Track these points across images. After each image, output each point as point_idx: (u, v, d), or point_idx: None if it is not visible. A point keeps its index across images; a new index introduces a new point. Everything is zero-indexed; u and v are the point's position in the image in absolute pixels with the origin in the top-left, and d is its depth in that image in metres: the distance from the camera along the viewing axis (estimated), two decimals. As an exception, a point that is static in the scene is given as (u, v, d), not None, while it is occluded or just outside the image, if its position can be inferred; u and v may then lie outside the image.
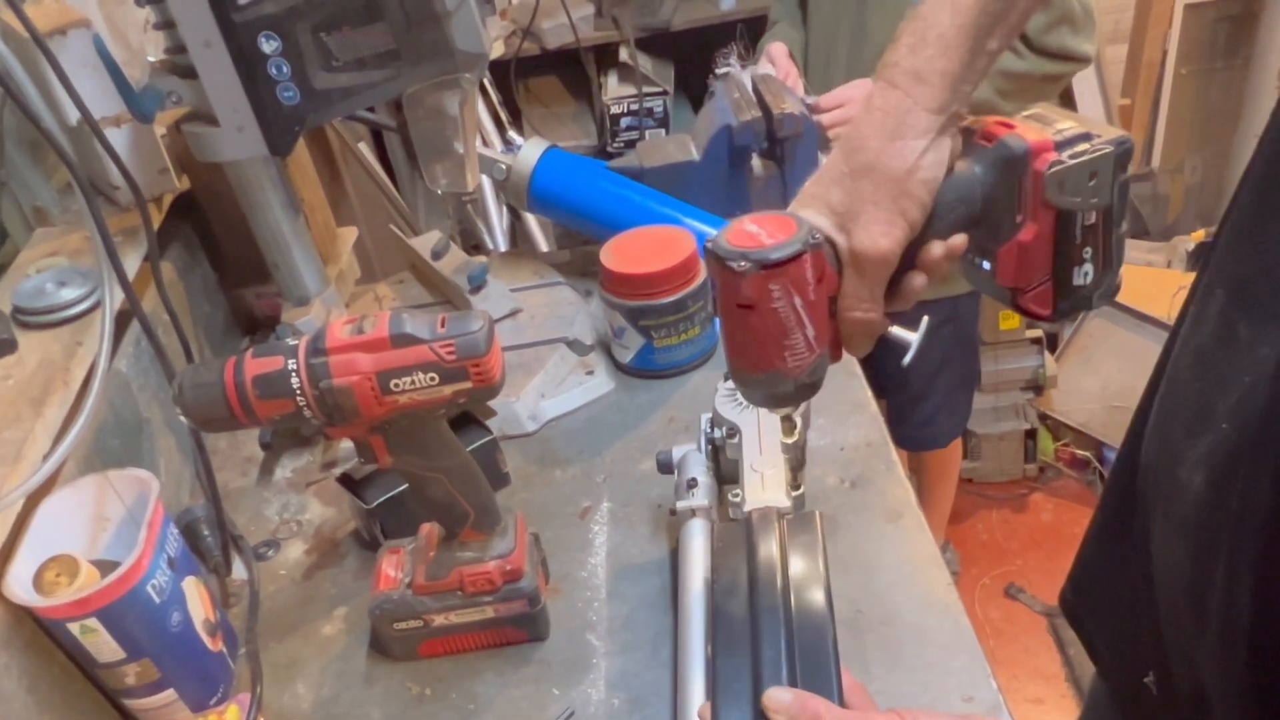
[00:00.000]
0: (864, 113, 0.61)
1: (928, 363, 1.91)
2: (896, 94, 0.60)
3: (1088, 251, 0.61)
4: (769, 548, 0.68)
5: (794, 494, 0.77)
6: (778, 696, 0.56)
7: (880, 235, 0.59)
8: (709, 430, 0.87)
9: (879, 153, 0.59)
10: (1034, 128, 0.60)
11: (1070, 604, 0.89)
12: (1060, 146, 0.59)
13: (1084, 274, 0.62)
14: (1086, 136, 0.59)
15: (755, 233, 0.59)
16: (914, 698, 0.76)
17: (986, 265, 0.64)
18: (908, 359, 1.10)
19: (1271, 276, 0.57)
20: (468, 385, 0.71)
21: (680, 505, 0.85)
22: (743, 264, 0.58)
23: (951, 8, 0.59)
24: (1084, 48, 1.52)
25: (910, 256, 0.62)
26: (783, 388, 0.63)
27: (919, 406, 1.99)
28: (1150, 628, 0.72)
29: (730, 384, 0.88)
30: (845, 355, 0.66)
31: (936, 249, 0.62)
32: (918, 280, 0.63)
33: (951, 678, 0.77)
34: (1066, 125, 0.60)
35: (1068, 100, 2.76)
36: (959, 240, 0.62)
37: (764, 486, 0.77)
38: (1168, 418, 0.67)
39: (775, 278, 0.58)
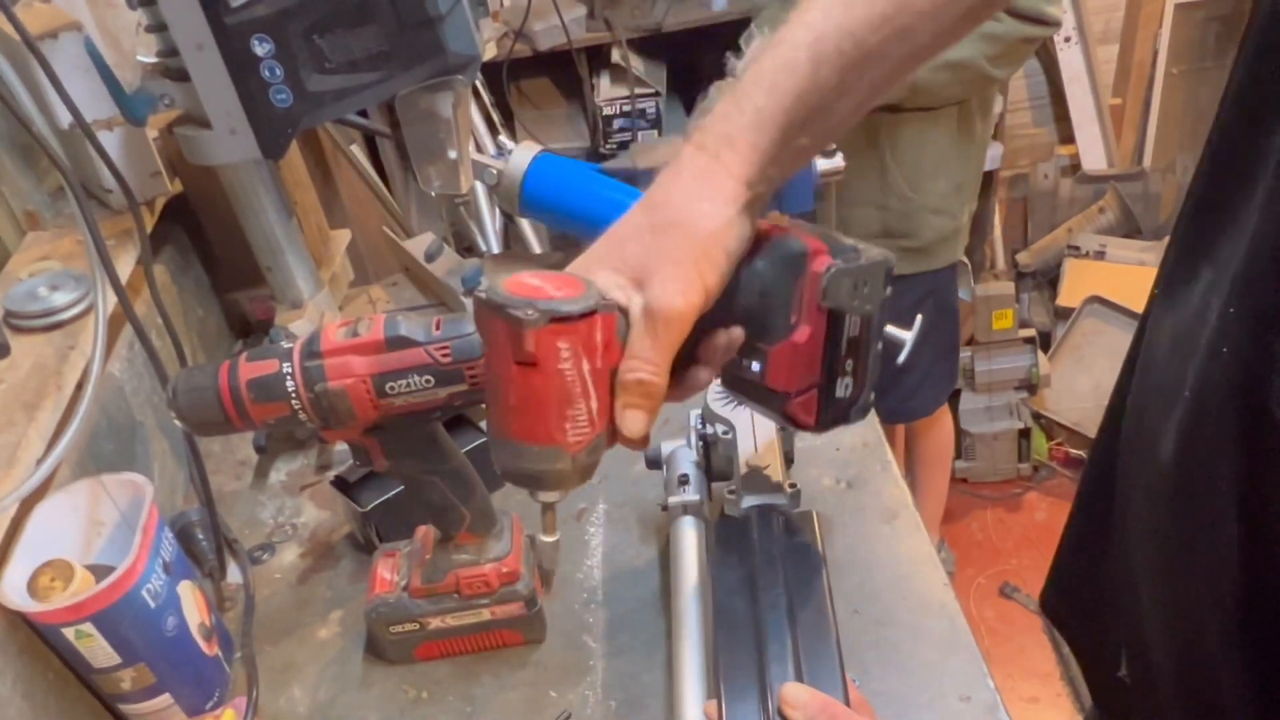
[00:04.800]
0: (671, 174, 0.59)
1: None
2: (705, 157, 0.58)
3: (849, 364, 0.60)
4: (769, 545, 0.69)
5: (790, 491, 0.77)
6: (795, 693, 0.56)
7: (678, 293, 0.55)
8: (699, 426, 0.88)
9: (685, 210, 0.57)
10: (813, 235, 0.59)
11: (1052, 604, 0.90)
12: (834, 252, 0.58)
13: (845, 385, 0.60)
14: (855, 249, 0.58)
15: (539, 285, 0.54)
16: (911, 698, 0.76)
17: (756, 367, 0.61)
18: (902, 357, 1.11)
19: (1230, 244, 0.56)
20: (463, 388, 0.71)
21: (672, 501, 0.85)
22: (530, 313, 0.52)
23: (769, 88, 0.57)
24: (1053, 10, 1.59)
25: (694, 344, 0.59)
26: (560, 464, 0.57)
27: (903, 380, 1.99)
28: (1128, 616, 0.72)
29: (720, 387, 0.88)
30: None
31: (720, 338, 0.59)
32: (702, 375, 0.61)
33: (948, 677, 0.77)
34: (839, 238, 0.59)
35: (1060, 102, 2.77)
36: (739, 333, 0.60)
37: (761, 484, 0.78)
38: (1146, 396, 0.68)
39: (566, 334, 0.53)
